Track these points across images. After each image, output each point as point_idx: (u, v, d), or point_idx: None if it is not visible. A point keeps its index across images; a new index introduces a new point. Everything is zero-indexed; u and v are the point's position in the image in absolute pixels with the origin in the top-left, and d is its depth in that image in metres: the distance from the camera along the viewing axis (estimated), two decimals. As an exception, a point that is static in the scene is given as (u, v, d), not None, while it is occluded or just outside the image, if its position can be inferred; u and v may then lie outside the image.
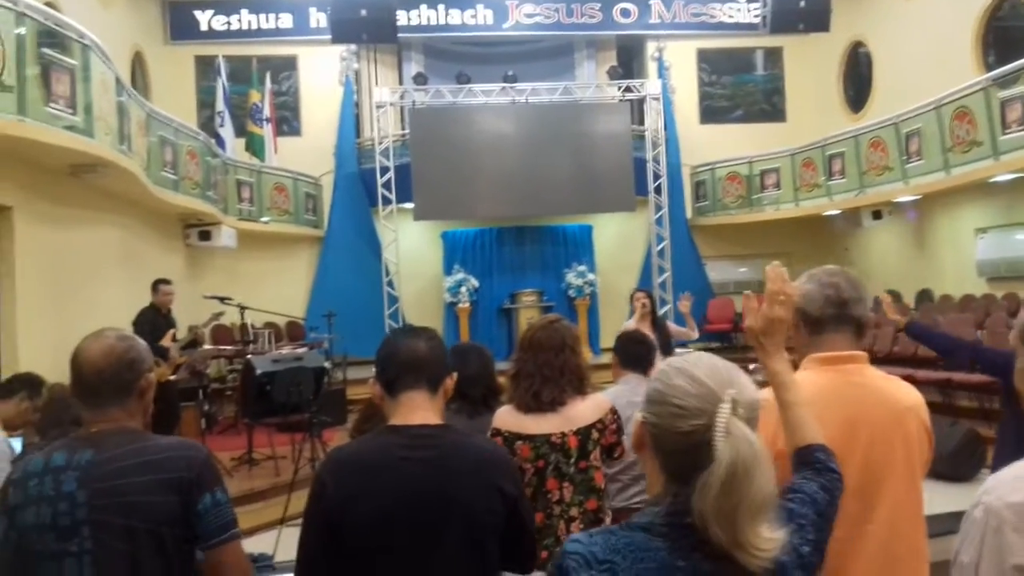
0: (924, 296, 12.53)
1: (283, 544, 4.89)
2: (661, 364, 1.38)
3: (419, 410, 1.97)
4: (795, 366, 2.06)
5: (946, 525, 4.43)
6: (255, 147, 13.55)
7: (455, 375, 2.11)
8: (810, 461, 1.52)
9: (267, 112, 13.71)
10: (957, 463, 6.67)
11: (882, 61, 14.17)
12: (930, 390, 9.05)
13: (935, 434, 6.09)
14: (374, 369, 2.07)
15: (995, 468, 2.27)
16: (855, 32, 14.60)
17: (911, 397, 2.05)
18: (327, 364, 7.70)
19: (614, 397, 3.44)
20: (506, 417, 2.88)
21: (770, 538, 1.20)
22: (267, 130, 13.71)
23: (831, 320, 2.01)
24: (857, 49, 14.99)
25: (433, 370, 2.01)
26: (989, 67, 11.30)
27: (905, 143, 11.59)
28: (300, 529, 1.94)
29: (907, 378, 2.19)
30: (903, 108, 11.66)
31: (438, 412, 2.02)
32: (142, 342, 2.11)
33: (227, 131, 13.16)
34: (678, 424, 1.25)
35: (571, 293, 14.31)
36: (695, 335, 7.29)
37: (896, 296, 12.83)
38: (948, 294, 11.95)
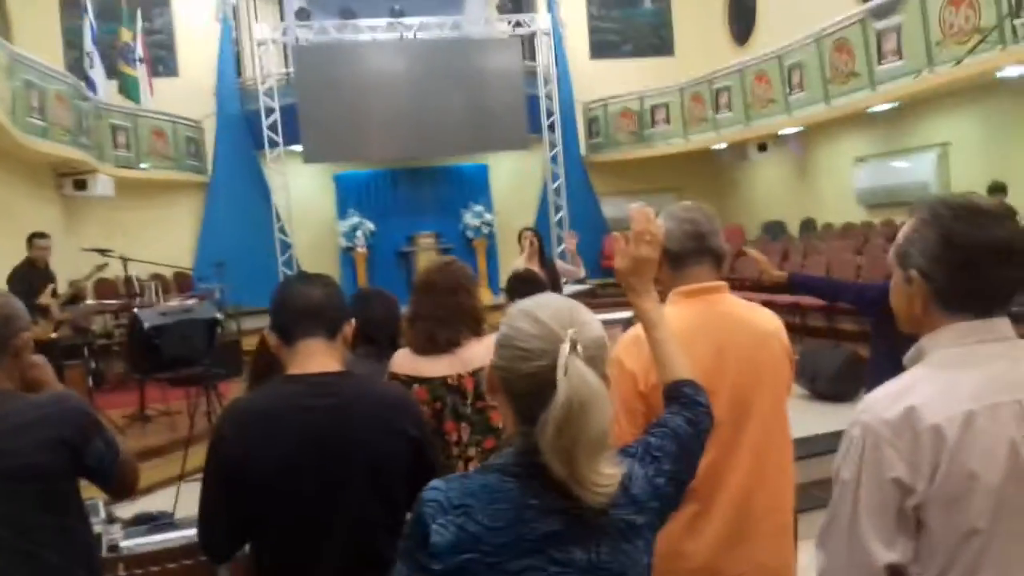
0: (807, 226, 13.04)
1: (183, 500, 4.81)
2: (511, 308, 1.38)
3: (318, 357, 1.94)
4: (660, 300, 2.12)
5: (828, 444, 4.70)
6: (129, 89, 12.80)
7: (353, 321, 2.07)
8: (677, 396, 1.55)
9: (140, 51, 12.95)
10: (839, 384, 7.01)
11: (765, -6, 14.40)
12: (814, 315, 9.48)
13: (818, 357, 6.47)
14: (269, 319, 2.02)
15: (868, 389, 2.38)
16: (739, -35, 14.77)
17: (772, 322, 2.16)
18: (219, 315, 7.47)
19: None
20: (402, 360, 2.85)
21: (609, 474, 1.23)
22: (141, 70, 12.98)
23: (691, 253, 2.09)
24: (741, -18, 15.17)
25: (330, 316, 1.97)
26: (867, -1, 11.63)
27: (788, 76, 11.88)
28: (200, 483, 1.91)
29: (791, 305, 2.28)
30: (786, 41, 11.91)
31: (338, 359, 1.99)
32: (17, 300, 2.05)
33: (97, 73, 12.37)
34: (522, 366, 1.27)
35: (469, 234, 14.28)
36: (581, 273, 7.40)
37: (778, 226, 13.34)
38: (830, 222, 12.45)
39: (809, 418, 5.40)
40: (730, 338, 2.03)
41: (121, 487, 2.09)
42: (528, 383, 1.26)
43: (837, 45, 10.79)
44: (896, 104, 10.33)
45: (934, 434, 1.31)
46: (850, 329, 9.09)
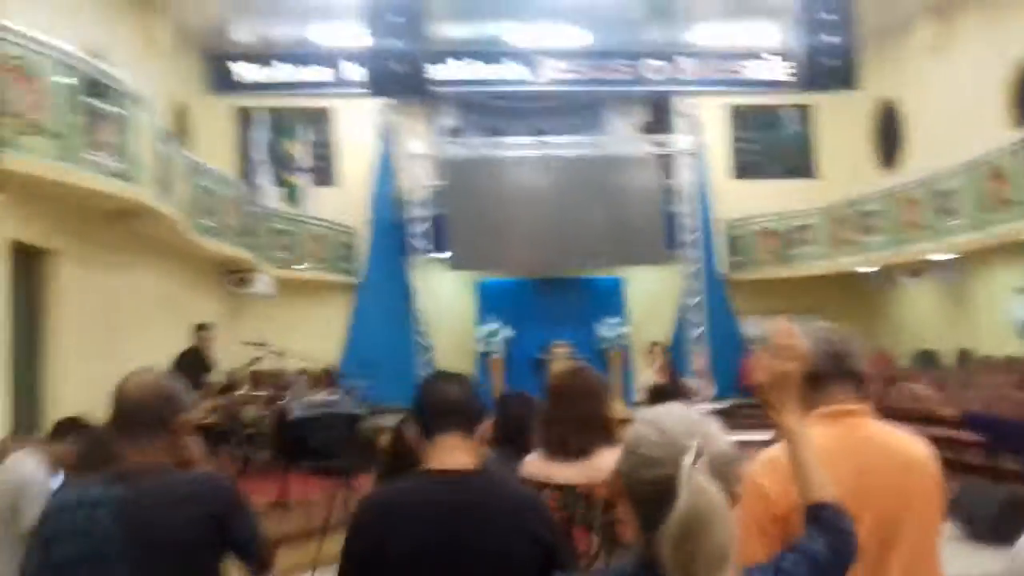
0: (964, 356, 12.33)
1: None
2: (636, 416, 1.40)
3: (455, 453, 1.98)
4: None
5: (987, 587, 4.33)
6: (292, 196, 13.80)
7: (490, 422, 2.13)
8: (819, 518, 1.51)
9: (305, 162, 13.98)
10: (998, 525, 6.49)
11: (913, 117, 14.17)
12: (973, 452, 8.87)
13: (975, 496, 6.07)
14: (410, 414, 2.11)
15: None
16: (885, 89, 14.64)
17: (920, 449, 2.04)
18: (360, 410, 7.72)
19: None
20: (535, 464, 2.86)
21: None
22: (305, 180, 13.98)
23: (831, 375, 2.02)
24: (887, 106, 15.01)
25: (468, 413, 2.03)
26: (1023, 125, 11.26)
27: (939, 201, 11.52)
28: (336, 571, 1.96)
29: (947, 439, 2.20)
30: (934, 166, 11.60)
31: (473, 456, 2.03)
32: (179, 383, 2.19)
33: (266, 180, 13.43)
34: (644, 473, 1.27)
35: (603, 345, 14.28)
36: (711, 392, 7.30)
37: (931, 357, 12.67)
38: (988, 354, 11.75)
39: (963, 560, 5.02)
40: (873, 462, 1.94)
41: (262, 563, 2.16)
42: (650, 491, 1.26)
43: (992, 173, 10.44)
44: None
45: None
46: (1012, 468, 8.43)
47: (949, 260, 12.13)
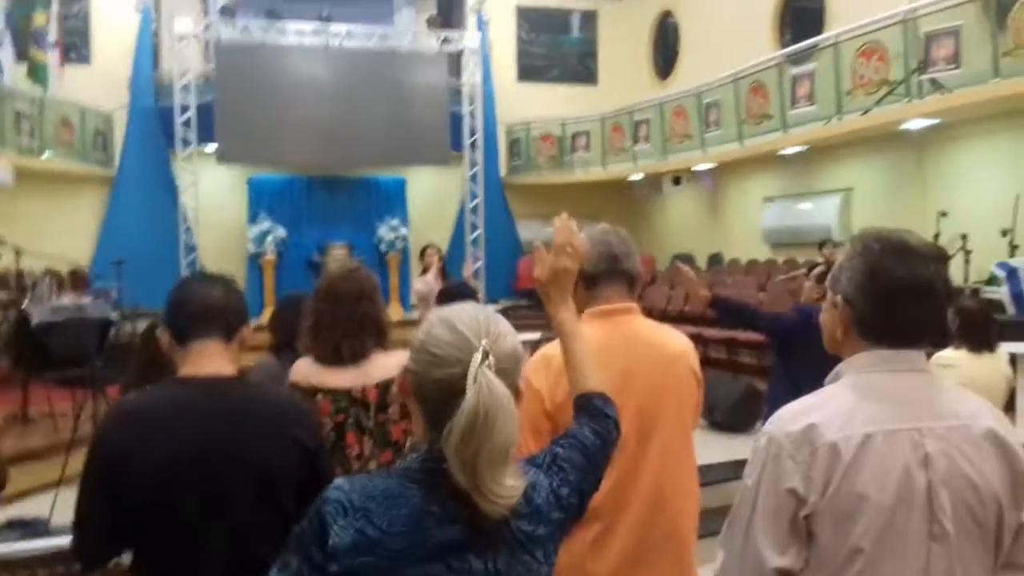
0: (715, 260, 13.37)
1: (60, 507, 4.56)
2: (429, 315, 1.38)
3: (212, 359, 1.87)
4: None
5: (725, 473, 4.79)
6: (38, 74, 12.26)
7: (251, 325, 2.00)
8: (587, 407, 1.56)
9: (53, 36, 12.43)
10: (737, 415, 7.19)
11: (688, 31, 14.80)
12: (717, 347, 9.71)
13: (718, 388, 6.63)
14: (164, 316, 1.93)
15: (768, 411, 2.45)
16: (665, 1, 15.15)
17: (680, 344, 2.20)
18: (114, 315, 7.17)
19: None
20: (304, 370, 2.77)
21: (511, 485, 1.23)
22: (52, 56, 12.45)
23: (604, 275, 2.13)
24: (666, 18, 15.57)
25: (229, 318, 1.91)
26: (785, 44, 12.08)
27: (705, 113, 12.21)
28: (78, 486, 1.80)
29: (694, 336, 2.33)
30: (706, 79, 12.25)
31: (233, 361, 1.92)
32: None
33: (6, 55, 11.82)
34: (433, 372, 1.27)
35: (383, 248, 14.13)
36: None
37: (688, 259, 13.64)
38: (736, 258, 12.80)
39: (706, 447, 5.50)
40: (637, 360, 2.06)
41: None
42: (438, 389, 1.26)
43: (753, 87, 11.16)
44: (805, 148, 10.72)
45: (830, 451, 1.37)
46: (749, 362, 9.33)
47: (709, 169, 12.97)
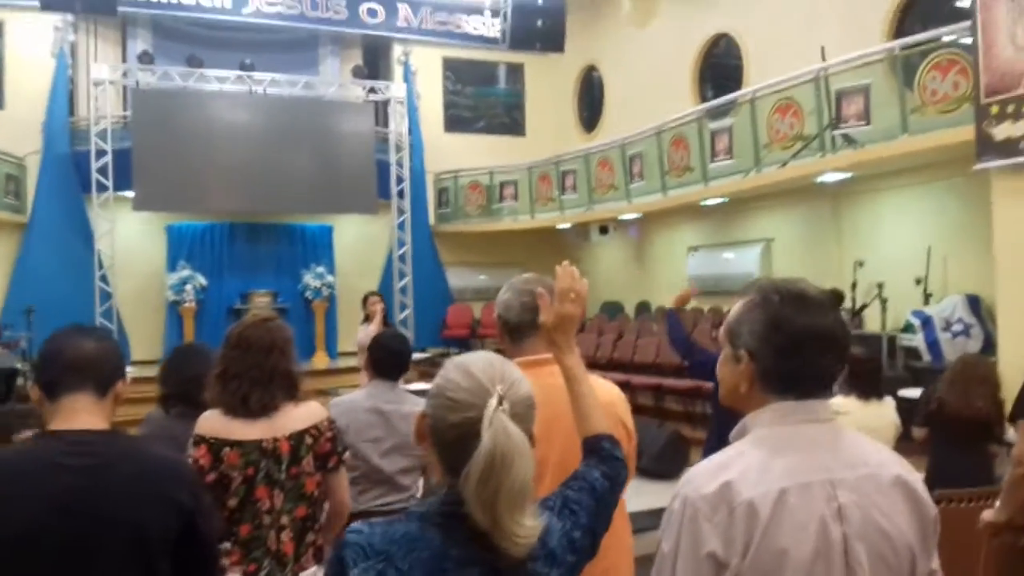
0: (642, 307, 13.52)
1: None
2: (446, 362, 1.42)
3: (81, 414, 1.76)
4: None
5: (651, 521, 4.73)
6: (-56, 118, 11.83)
7: (127, 380, 1.90)
8: (596, 449, 1.61)
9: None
10: (663, 461, 7.18)
11: (612, 85, 15.14)
12: (644, 394, 9.74)
13: (645, 435, 6.58)
14: (33, 371, 1.84)
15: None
16: (589, 56, 15.49)
17: (608, 395, 2.16)
18: (19, 365, 6.82)
19: (359, 399, 3.53)
20: (212, 422, 2.66)
21: (530, 525, 1.26)
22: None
23: (528, 326, 2.11)
24: (591, 72, 15.91)
25: (102, 371, 1.81)
26: (705, 98, 12.44)
27: (629, 164, 12.44)
28: None
29: (623, 383, 2.30)
30: (630, 131, 12.50)
31: (105, 418, 1.81)
32: None
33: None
34: (450, 416, 1.31)
35: (308, 295, 13.88)
36: None
37: (616, 308, 13.78)
38: (663, 306, 12.95)
39: (635, 494, 5.46)
40: (560, 409, 1.97)
41: None
42: (455, 433, 1.29)
43: (675, 140, 11.43)
44: (726, 199, 10.99)
45: (748, 510, 1.34)
46: (676, 409, 9.39)
47: (634, 219, 13.18)
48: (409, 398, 3.68)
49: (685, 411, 9.10)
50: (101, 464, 1.71)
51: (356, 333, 7.52)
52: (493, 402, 1.27)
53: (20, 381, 6.92)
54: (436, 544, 1.27)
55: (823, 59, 9.08)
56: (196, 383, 2.90)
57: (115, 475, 1.71)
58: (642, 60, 14.02)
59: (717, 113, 10.92)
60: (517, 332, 2.12)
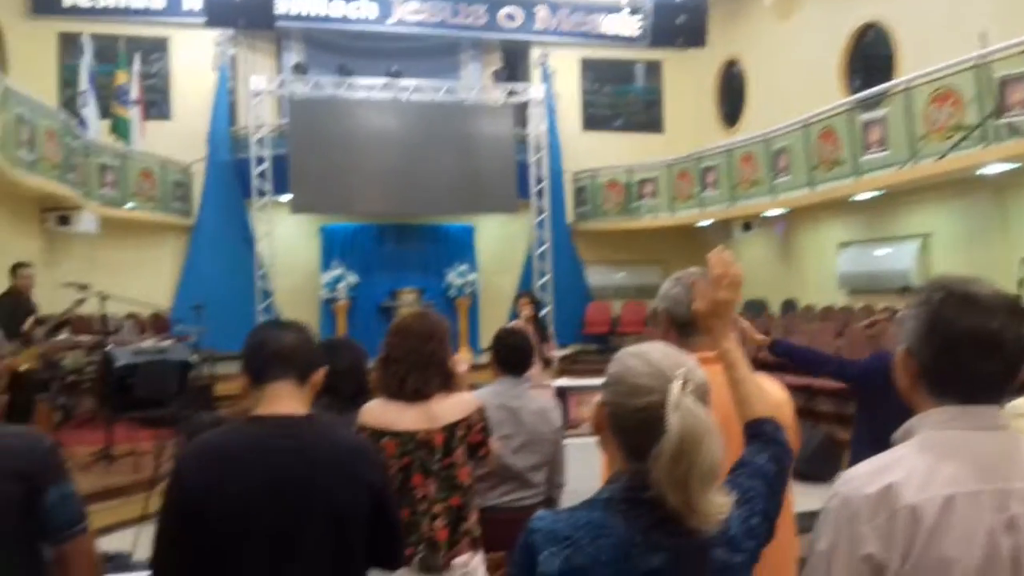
0: (788, 306, 13.14)
1: (142, 542, 4.67)
2: (618, 353, 1.45)
3: (284, 400, 1.92)
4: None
5: (803, 523, 4.64)
6: (120, 130, 12.86)
7: (324, 369, 2.05)
8: (759, 433, 1.60)
9: (135, 94, 13.04)
10: (815, 464, 6.98)
11: (755, 79, 14.77)
12: (793, 395, 9.44)
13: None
14: (241, 361, 2.00)
15: (852, 463, 2.36)
16: (730, 50, 15.17)
17: (779, 395, 2.12)
18: (193, 358, 7.37)
19: (487, 397, 3.48)
20: (374, 412, 2.83)
21: (720, 502, 1.29)
22: (134, 112, 13.05)
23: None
24: (732, 66, 15.58)
25: (301, 362, 1.97)
26: (854, 89, 11.95)
27: (774, 159, 12.11)
28: (157, 519, 1.85)
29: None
30: (773, 125, 12.18)
31: (305, 404, 1.97)
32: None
33: (91, 112, 12.44)
34: (633, 401, 1.34)
35: (451, 293, 14.28)
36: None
37: (760, 306, 13.44)
38: (811, 304, 12.56)
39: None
40: (732, 411, 2.00)
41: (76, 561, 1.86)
42: (638, 418, 1.32)
43: (823, 133, 11.04)
44: (879, 193, 10.53)
45: (910, 515, 1.31)
46: (827, 410, 9.08)
47: (779, 215, 12.82)
48: (534, 394, 3.74)
49: (837, 412, 8.78)
50: (302, 446, 1.86)
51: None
52: (677, 384, 1.31)
53: (192, 372, 7.46)
54: (620, 531, 1.29)
55: (983, 45, 8.57)
56: (342, 376, 3.03)
57: (315, 456, 1.86)
58: (786, 52, 13.62)
59: (868, 104, 10.47)
60: (685, 328, 2.09)
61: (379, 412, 2.81)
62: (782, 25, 13.80)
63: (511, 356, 3.75)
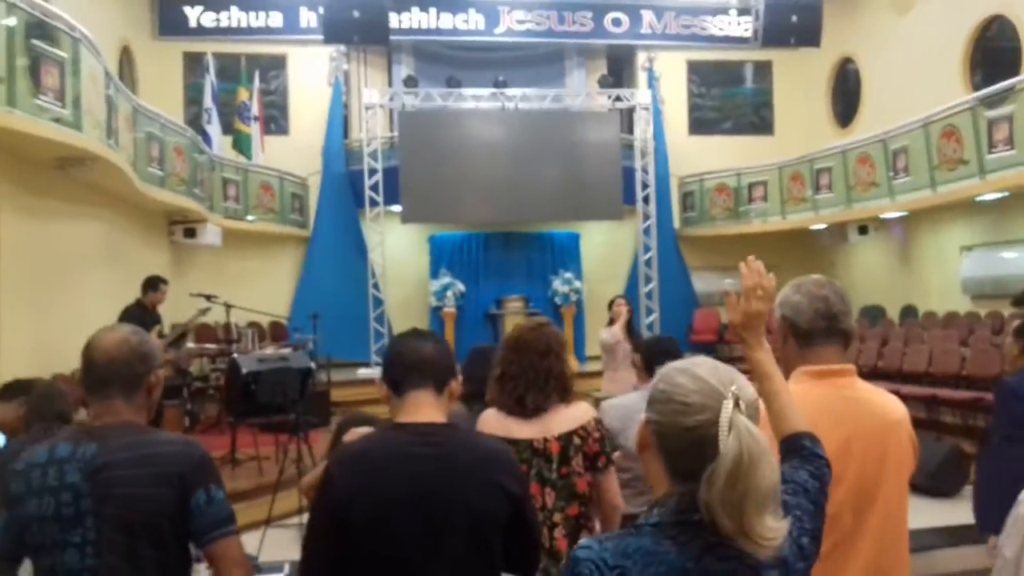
0: (908, 312, 12.62)
1: (267, 545, 4.87)
2: (663, 368, 1.39)
3: (425, 408, 2.00)
4: (785, 378, 2.06)
5: (931, 540, 4.47)
6: (242, 145, 13.49)
7: (460, 378, 2.14)
8: (797, 448, 1.55)
9: (255, 110, 13.65)
10: (941, 479, 6.69)
11: (870, 77, 14.28)
12: (915, 405, 9.10)
13: (921, 450, 6.09)
14: (379, 370, 2.11)
15: (986, 484, 2.27)
16: (844, 48, 14.71)
17: (898, 410, 2.07)
18: (312, 365, 7.64)
19: (633, 403, 3.44)
20: (491, 421, 2.86)
21: (776, 527, 1.22)
22: (255, 128, 13.65)
23: (821, 333, 2.01)
24: (846, 65, 15.10)
25: (439, 371, 2.05)
26: (975, 86, 11.42)
27: (892, 159, 11.67)
28: (306, 523, 1.98)
29: (892, 392, 2.19)
30: (890, 125, 11.74)
31: (443, 412, 2.05)
32: (152, 339, 2.14)
33: (214, 128, 13.10)
34: (683, 420, 1.27)
35: (557, 300, 14.31)
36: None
37: (878, 312, 12.94)
38: (932, 311, 12.02)
39: (910, 512, 5.15)
40: (856, 424, 1.95)
41: (222, 561, 1.95)
42: (687, 438, 1.26)
43: (945, 131, 10.57)
44: (1006, 194, 10.02)
45: None
46: (952, 422, 8.69)
47: (898, 218, 12.34)
48: None
49: (964, 424, 8.40)
50: (444, 453, 1.94)
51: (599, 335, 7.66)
52: (730, 403, 1.24)
53: (311, 380, 7.72)
54: (672, 557, 1.23)
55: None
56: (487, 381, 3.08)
57: (456, 463, 1.93)
58: (903, 49, 13.11)
59: (994, 101, 9.97)
60: (806, 338, 2.02)
61: (497, 421, 2.83)
62: (900, 20, 13.31)
63: (664, 361, 3.71)
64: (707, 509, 1.21)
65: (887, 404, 2.06)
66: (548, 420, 2.81)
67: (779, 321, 2.07)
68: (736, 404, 1.24)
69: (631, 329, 7.36)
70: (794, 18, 10.70)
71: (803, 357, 2.03)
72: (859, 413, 1.98)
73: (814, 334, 2.01)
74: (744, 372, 1.54)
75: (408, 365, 2.03)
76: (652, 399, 1.35)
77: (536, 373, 2.83)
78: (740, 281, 1.73)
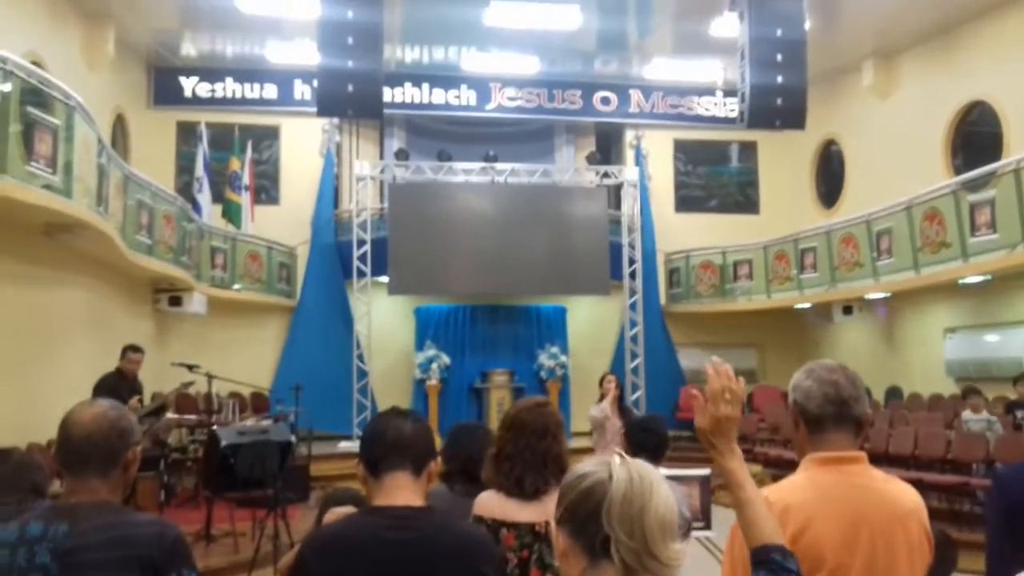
0: (893, 393, 12.61)
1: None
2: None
3: (402, 491, 1.95)
4: (795, 464, 2.03)
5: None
6: (231, 214, 13.54)
7: (438, 460, 2.08)
8: (766, 561, 1.51)
9: (246, 179, 13.74)
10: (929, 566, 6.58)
11: (854, 159, 14.58)
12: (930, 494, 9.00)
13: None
14: (359, 449, 2.05)
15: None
16: (828, 130, 15.04)
17: (912, 499, 2.00)
18: (292, 438, 7.51)
19: None
20: (490, 504, 2.78)
21: (679, 548, 1.21)
22: (245, 198, 13.72)
23: (831, 419, 1.97)
24: (829, 146, 15.42)
25: (418, 452, 2.00)
26: (956, 169, 11.66)
27: (876, 240, 11.82)
28: None
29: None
30: (874, 206, 11.93)
31: (421, 494, 2.00)
32: (131, 414, 2.09)
33: (204, 197, 13.16)
34: (578, 484, 1.30)
35: (543, 374, 14.25)
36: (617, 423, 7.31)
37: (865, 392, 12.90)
38: (917, 392, 12.03)
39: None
40: (867, 512, 1.90)
41: None
42: (586, 505, 1.26)
43: (928, 214, 10.74)
44: (988, 277, 10.13)
45: None
46: (938, 507, 8.59)
47: (882, 298, 12.43)
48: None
49: (950, 509, 8.31)
50: (420, 538, 1.88)
51: (589, 412, 7.62)
52: (617, 459, 1.26)
53: (291, 454, 7.58)
54: None
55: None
56: (478, 461, 3.00)
57: (433, 549, 1.88)
58: (886, 132, 13.43)
59: (976, 185, 10.17)
60: (816, 424, 1.97)
61: (497, 503, 2.76)
62: (882, 104, 13.66)
63: (649, 440, 3.68)
64: (614, 544, 1.20)
65: (899, 493, 1.99)
66: (548, 502, 2.72)
67: (791, 407, 2.04)
68: (622, 459, 1.26)
69: (621, 405, 7.33)
70: (779, 101, 10.93)
71: (813, 443, 1.99)
72: (867, 501, 1.92)
73: (824, 420, 1.97)
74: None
75: (387, 445, 1.98)
76: (559, 499, 1.35)
77: (534, 454, 2.77)
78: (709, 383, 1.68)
